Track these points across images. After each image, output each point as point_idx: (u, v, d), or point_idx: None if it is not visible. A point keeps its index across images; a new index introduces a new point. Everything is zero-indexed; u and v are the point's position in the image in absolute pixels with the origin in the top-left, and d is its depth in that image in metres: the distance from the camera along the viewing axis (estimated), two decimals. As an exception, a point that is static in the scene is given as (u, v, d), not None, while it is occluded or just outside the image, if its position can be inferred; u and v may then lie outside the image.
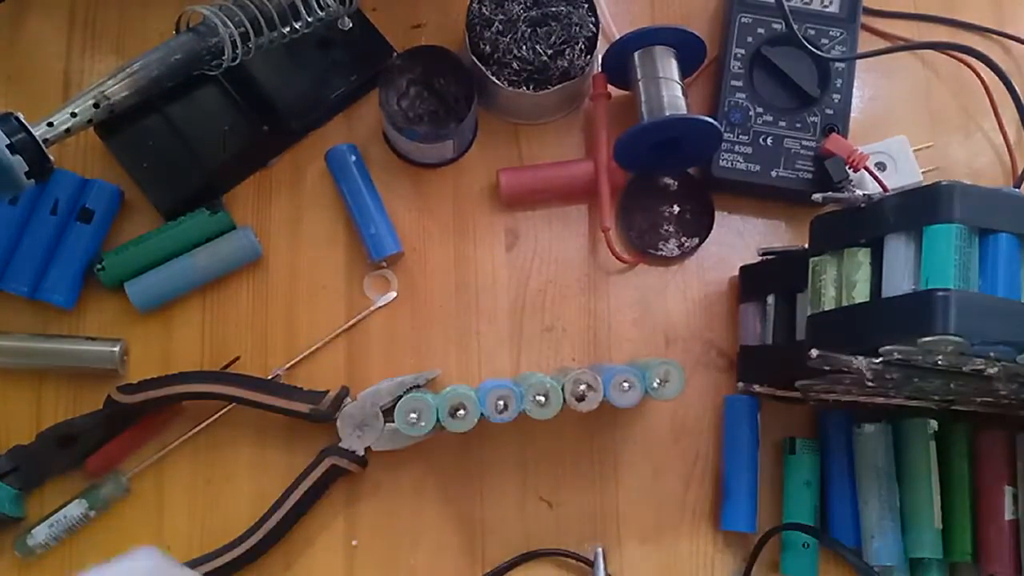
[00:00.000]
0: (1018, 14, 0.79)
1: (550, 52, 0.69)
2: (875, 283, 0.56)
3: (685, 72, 0.71)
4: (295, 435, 0.68)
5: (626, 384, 0.61)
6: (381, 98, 0.69)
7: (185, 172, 0.69)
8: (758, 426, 0.68)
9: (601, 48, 0.73)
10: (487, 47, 0.70)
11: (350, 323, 0.70)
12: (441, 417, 0.61)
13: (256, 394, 0.65)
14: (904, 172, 0.72)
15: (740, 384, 0.68)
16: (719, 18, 0.77)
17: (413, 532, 0.67)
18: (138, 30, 0.75)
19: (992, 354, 0.52)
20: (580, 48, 0.70)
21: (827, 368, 0.55)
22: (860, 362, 0.54)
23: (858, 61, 0.73)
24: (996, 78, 0.74)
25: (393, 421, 0.62)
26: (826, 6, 0.74)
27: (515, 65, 0.70)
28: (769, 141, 0.71)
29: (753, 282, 0.70)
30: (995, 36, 0.78)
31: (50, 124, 0.56)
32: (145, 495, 0.67)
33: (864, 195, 0.57)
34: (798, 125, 0.72)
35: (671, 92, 0.69)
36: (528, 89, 0.70)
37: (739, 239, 0.74)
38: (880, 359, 0.53)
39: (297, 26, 0.65)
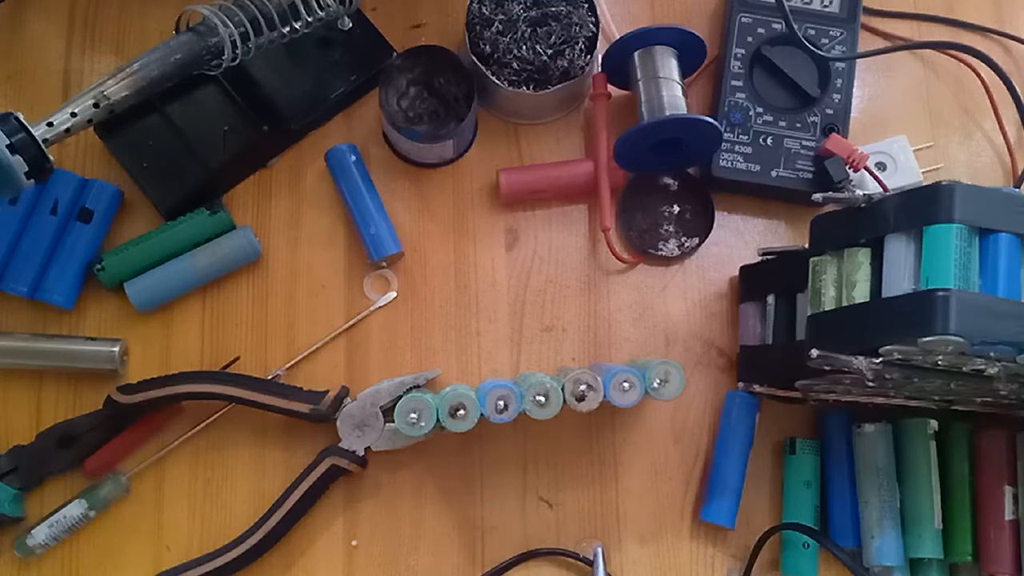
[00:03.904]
0: (1018, 14, 0.79)
1: (550, 52, 0.69)
2: (875, 283, 0.56)
3: (685, 72, 0.71)
4: (295, 435, 0.68)
5: (626, 384, 0.61)
6: (381, 98, 0.69)
7: (185, 172, 0.69)
8: (755, 423, 0.68)
9: (601, 48, 0.73)
10: (487, 47, 0.70)
11: (350, 323, 0.70)
12: (441, 417, 0.61)
13: (256, 394, 0.65)
14: (904, 172, 0.72)
15: (740, 384, 0.68)
16: (719, 18, 0.77)
17: (413, 532, 0.67)
18: (138, 30, 0.75)
19: (992, 354, 0.52)
20: (580, 48, 0.70)
21: (827, 368, 0.55)
22: (860, 362, 0.53)
23: (858, 61, 0.73)
24: (996, 78, 0.74)
25: (393, 421, 0.62)
26: (826, 6, 0.73)
27: (515, 65, 0.70)
28: (769, 141, 0.71)
29: (753, 282, 0.70)
30: (995, 36, 0.78)
31: (50, 124, 0.56)
32: (145, 495, 0.67)
33: (864, 195, 0.56)
34: (798, 125, 0.72)
35: (671, 92, 0.69)
36: (528, 89, 0.70)
37: (739, 239, 0.74)
38: (880, 359, 0.53)
39: (297, 26, 0.65)
